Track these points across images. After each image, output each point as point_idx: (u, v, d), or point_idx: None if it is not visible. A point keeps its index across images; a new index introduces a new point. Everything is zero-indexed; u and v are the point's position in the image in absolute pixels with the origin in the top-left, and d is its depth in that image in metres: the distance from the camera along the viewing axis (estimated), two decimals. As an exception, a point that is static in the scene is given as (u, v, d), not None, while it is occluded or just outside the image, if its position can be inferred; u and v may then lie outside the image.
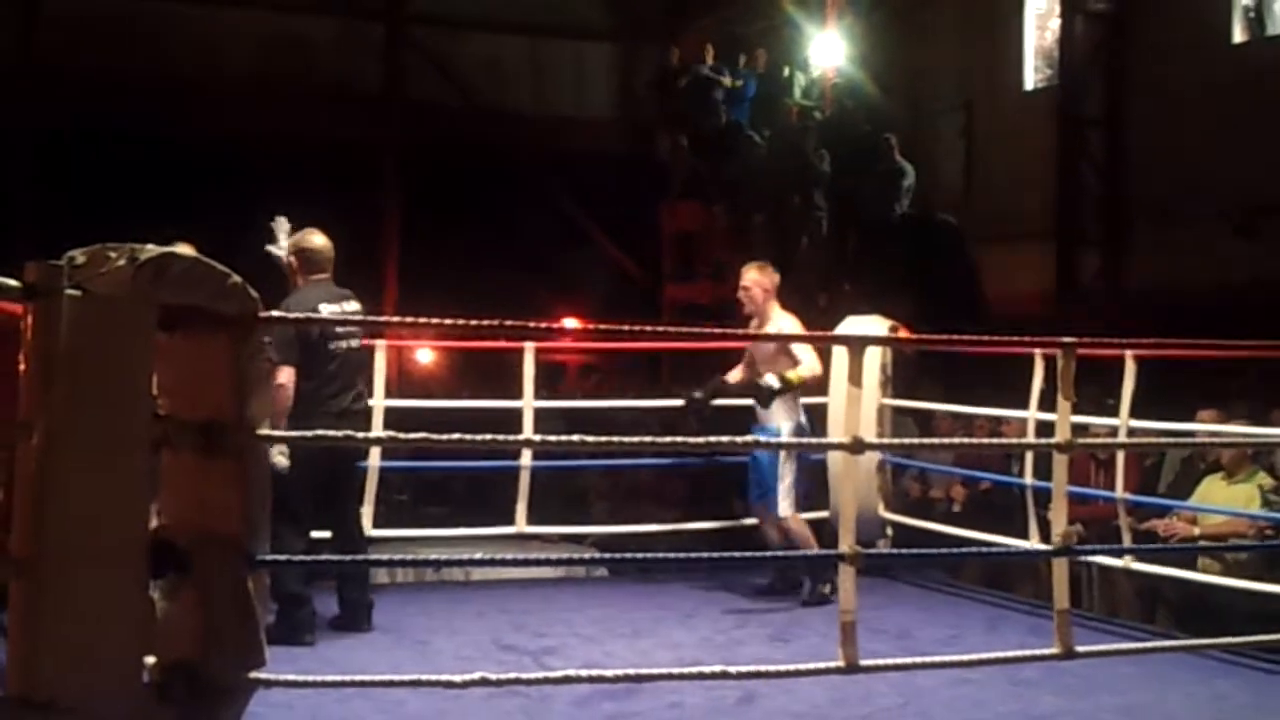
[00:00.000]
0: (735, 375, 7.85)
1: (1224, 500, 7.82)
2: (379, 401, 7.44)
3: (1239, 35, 14.11)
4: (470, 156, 15.90)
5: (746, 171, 15.80)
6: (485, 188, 15.76)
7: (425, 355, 13.25)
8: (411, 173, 15.95)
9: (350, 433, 5.00)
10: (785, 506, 7.65)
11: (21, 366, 3.91)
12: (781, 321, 7.73)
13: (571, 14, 17.97)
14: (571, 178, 16.27)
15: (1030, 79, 16.54)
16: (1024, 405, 7.55)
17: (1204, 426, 7.59)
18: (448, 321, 4.81)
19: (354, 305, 6.64)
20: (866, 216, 15.55)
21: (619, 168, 16.75)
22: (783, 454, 7.55)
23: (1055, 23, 15.90)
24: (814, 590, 7.59)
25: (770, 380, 7.41)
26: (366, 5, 17.06)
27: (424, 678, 4.56)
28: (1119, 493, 7.22)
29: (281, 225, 6.77)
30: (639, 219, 16.48)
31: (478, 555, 6.10)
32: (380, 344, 7.63)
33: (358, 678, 4.78)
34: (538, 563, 6.09)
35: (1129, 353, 6.71)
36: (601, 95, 18.29)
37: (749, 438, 5.47)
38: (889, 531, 8.46)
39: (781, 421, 7.56)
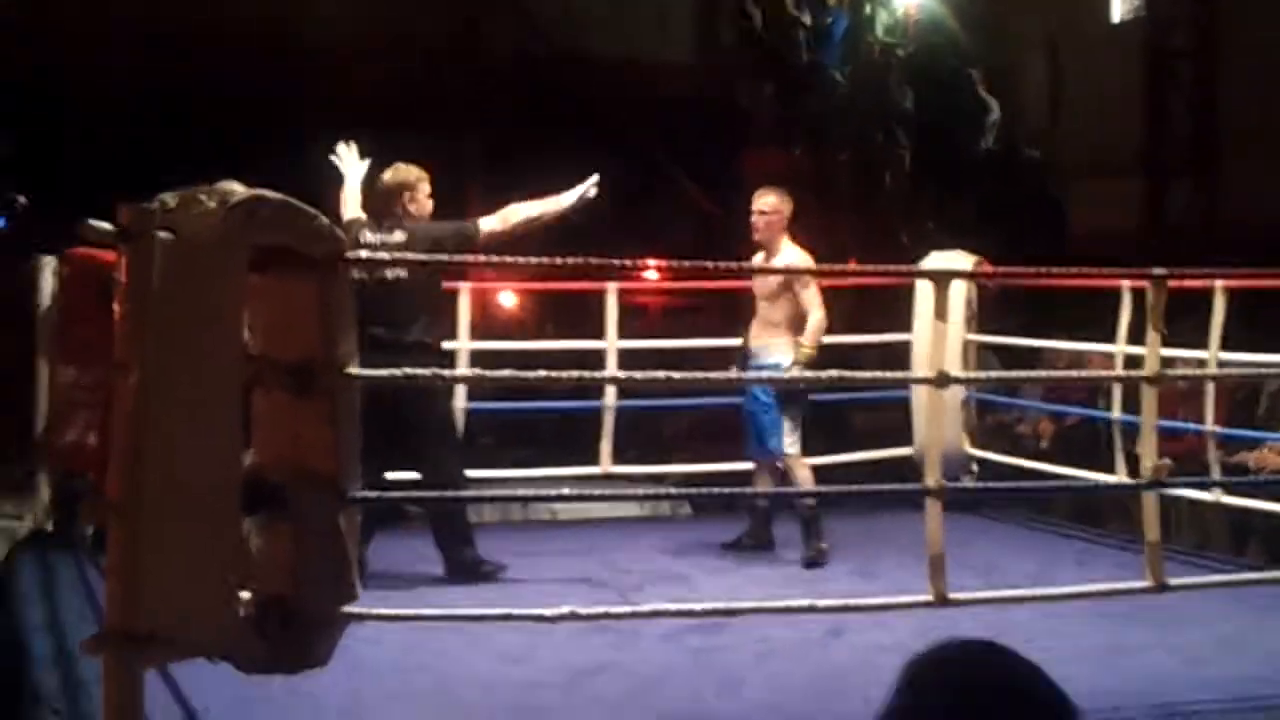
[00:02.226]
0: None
1: (1317, 432, 7.74)
2: (463, 344, 7.50)
3: (1331, -38, 13.81)
4: (549, 101, 15.89)
5: (828, 111, 15.69)
6: (565, 133, 15.73)
7: (508, 299, 13.30)
8: (492, 119, 15.96)
9: (438, 371, 5.03)
10: (790, 444, 7.16)
11: (116, 310, 3.99)
12: (790, 255, 7.31)
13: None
14: (652, 122, 16.21)
15: (1117, 11, 16.28)
16: (1108, 342, 7.49)
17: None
18: (532, 261, 4.84)
19: (397, 236, 6.71)
20: (952, 154, 15.42)
21: (701, 111, 16.67)
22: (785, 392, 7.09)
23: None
24: (810, 546, 7.16)
25: (788, 366, 7.00)
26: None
27: (514, 612, 4.62)
28: (1208, 426, 7.15)
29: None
30: (721, 162, 16.41)
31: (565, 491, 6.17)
32: (464, 286, 7.70)
33: (448, 611, 4.85)
34: (622, 497, 6.14)
35: (1219, 283, 6.62)
36: (683, 39, 18.17)
37: (831, 372, 5.43)
38: (974, 468, 8.44)
39: (781, 358, 7.12)
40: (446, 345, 7.14)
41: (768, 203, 7.41)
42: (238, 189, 4.20)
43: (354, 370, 4.43)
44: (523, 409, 9.23)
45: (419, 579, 6.62)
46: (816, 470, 8.18)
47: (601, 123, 16.07)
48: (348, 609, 4.29)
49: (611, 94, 16.25)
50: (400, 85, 15.48)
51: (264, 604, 4.14)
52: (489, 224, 6.70)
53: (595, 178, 6.75)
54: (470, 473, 7.68)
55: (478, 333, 8.39)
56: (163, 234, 3.94)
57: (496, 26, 16.77)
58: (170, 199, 4.05)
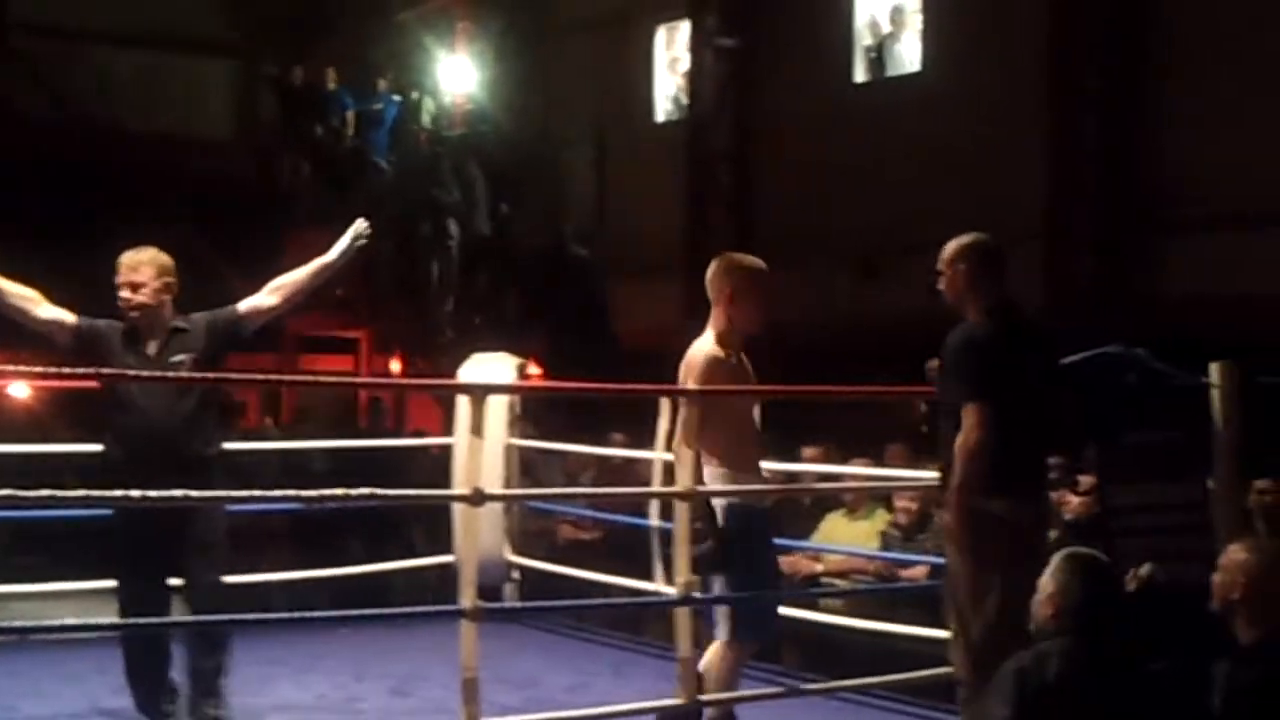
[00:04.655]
0: None
1: (846, 537, 8.10)
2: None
3: (861, 75, 14.70)
4: (78, 177, 15.17)
5: (372, 199, 15.62)
6: (94, 211, 15.05)
7: (21, 391, 12.51)
8: (13, 194, 15.10)
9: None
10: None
11: None
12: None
13: (190, 29, 17.41)
14: (189, 201, 15.68)
15: (661, 111, 16.84)
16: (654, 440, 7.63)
17: (810, 468, 7.83)
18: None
19: None
20: (499, 248, 15.58)
21: (241, 191, 16.28)
22: None
23: (687, 55, 16.20)
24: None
25: None
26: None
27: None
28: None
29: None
30: (261, 246, 16.04)
31: (69, 620, 5.74)
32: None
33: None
34: (135, 625, 5.75)
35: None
36: (222, 115, 17.79)
37: (362, 490, 5.11)
38: (516, 575, 8.45)
39: None
40: None
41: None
42: None
43: None
44: (19, 516, 8.52)
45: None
46: (358, 578, 8.02)
47: (134, 199, 15.46)
48: None
49: (144, 169, 15.66)
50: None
51: None
52: (254, 301, 6.13)
53: (363, 225, 6.23)
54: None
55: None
56: None
57: (25, 98, 15.97)
58: None
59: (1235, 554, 4.11)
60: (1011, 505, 5.11)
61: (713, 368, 5.58)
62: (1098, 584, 4.05)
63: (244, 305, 6.13)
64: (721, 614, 5.60)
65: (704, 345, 5.68)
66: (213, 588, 5.78)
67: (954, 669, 5.40)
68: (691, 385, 5.58)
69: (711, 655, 5.64)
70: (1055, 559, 4.15)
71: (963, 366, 5.12)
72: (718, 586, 5.59)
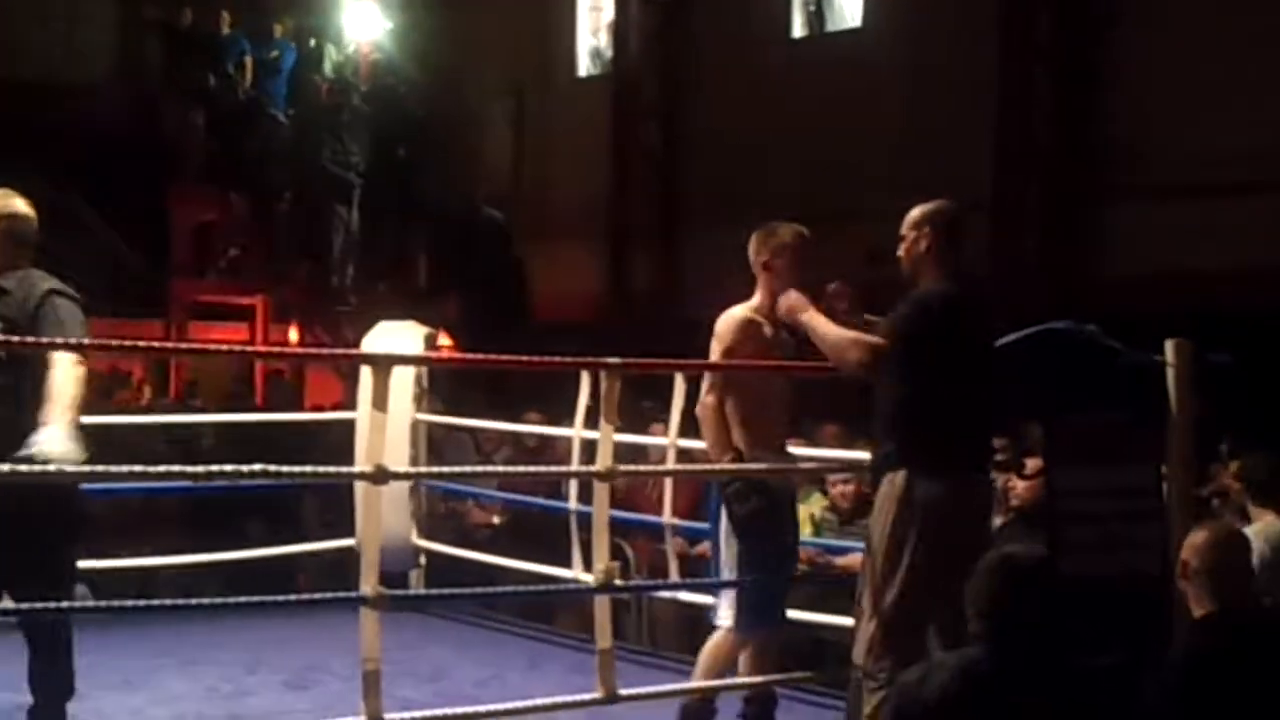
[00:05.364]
0: None
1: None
2: None
3: (799, 30, 14.71)
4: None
5: (269, 154, 15.47)
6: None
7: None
8: None
9: None
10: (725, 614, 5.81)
11: None
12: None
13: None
14: (61, 151, 15.40)
15: (584, 65, 16.77)
16: (573, 418, 7.61)
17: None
18: None
19: None
20: (407, 208, 15.48)
21: (120, 143, 16.02)
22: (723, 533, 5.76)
23: (611, 4, 16.13)
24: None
25: None
26: None
27: None
28: (666, 518, 7.34)
29: None
30: (144, 203, 15.82)
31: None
32: None
33: None
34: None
35: (679, 374, 6.66)
36: (102, 59, 17.47)
37: (255, 466, 4.96)
38: (422, 561, 8.44)
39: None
40: None
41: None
42: None
43: None
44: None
45: None
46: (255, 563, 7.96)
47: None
48: None
49: (10, 115, 15.34)
50: None
51: None
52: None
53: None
54: None
55: None
56: None
57: None
58: None
59: (1194, 534, 4.21)
60: (948, 487, 5.21)
61: (741, 331, 5.74)
62: (1010, 595, 3.98)
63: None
64: (728, 599, 5.68)
65: (737, 309, 5.82)
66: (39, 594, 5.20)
67: (855, 655, 5.46)
68: (717, 348, 5.73)
69: (715, 644, 5.77)
70: (986, 557, 4.14)
71: (903, 318, 5.24)
72: (728, 569, 5.66)
